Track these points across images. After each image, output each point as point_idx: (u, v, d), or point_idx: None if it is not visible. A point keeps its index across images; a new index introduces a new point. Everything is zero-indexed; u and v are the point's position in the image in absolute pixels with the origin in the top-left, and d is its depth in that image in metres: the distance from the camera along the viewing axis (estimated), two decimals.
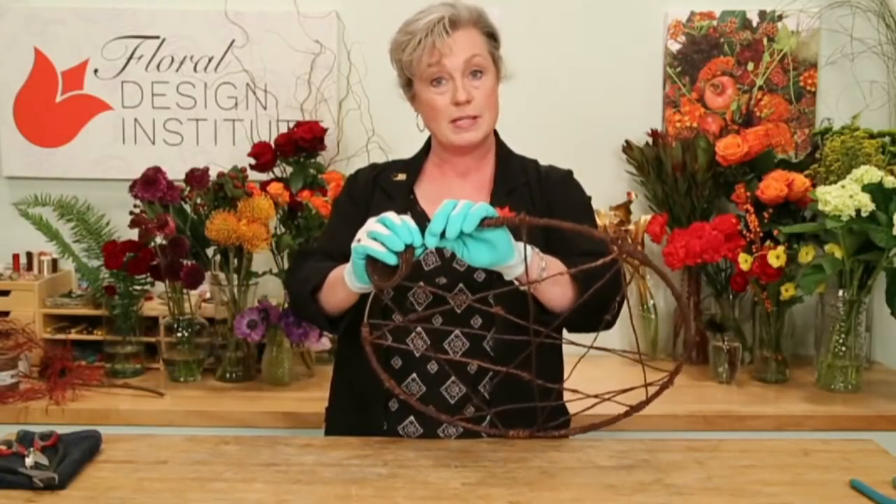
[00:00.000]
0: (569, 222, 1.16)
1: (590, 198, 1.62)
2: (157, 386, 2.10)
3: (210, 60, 2.44)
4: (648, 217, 2.36)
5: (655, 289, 2.45)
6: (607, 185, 2.44)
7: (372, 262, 1.25)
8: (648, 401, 1.25)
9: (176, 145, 2.47)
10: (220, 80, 2.45)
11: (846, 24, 2.43)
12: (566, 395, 1.46)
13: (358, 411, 1.53)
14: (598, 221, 2.24)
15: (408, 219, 1.25)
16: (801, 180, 2.17)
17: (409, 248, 1.22)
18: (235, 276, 2.15)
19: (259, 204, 2.07)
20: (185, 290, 2.16)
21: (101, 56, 2.44)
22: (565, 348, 1.51)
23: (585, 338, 1.33)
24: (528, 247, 1.24)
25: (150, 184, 2.08)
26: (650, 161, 2.39)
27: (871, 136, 2.16)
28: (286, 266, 2.19)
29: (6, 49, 2.44)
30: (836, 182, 2.00)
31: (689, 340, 2.35)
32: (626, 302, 1.29)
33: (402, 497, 1.19)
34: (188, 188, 2.14)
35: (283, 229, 2.23)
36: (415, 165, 1.62)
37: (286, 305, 2.11)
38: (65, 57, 2.44)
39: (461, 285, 1.49)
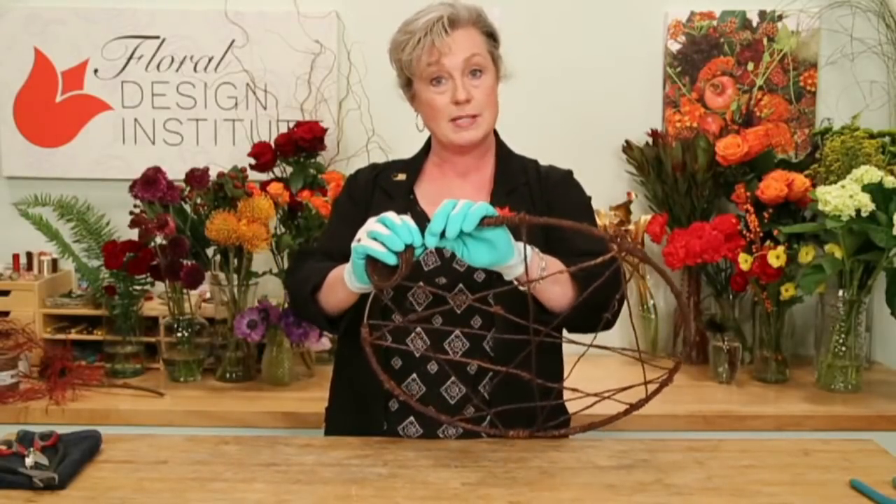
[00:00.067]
0: (568, 221, 1.16)
1: (590, 198, 1.62)
2: (157, 386, 2.10)
3: (210, 60, 2.44)
4: (648, 217, 2.37)
5: (655, 289, 2.45)
6: (607, 185, 2.45)
7: (372, 262, 1.25)
8: (648, 399, 1.25)
9: (176, 145, 2.47)
10: (220, 80, 2.45)
11: (846, 24, 2.43)
12: (566, 395, 1.46)
13: (358, 411, 1.53)
14: (598, 221, 2.25)
15: (408, 219, 1.25)
16: (801, 180, 2.17)
17: (409, 247, 1.22)
18: (235, 276, 2.15)
19: (259, 204, 2.07)
20: (185, 290, 2.16)
21: (101, 56, 2.44)
22: (565, 348, 1.51)
23: (585, 337, 1.34)
24: (528, 246, 1.24)
25: (150, 184, 2.08)
26: (650, 161, 2.39)
27: (871, 136, 2.16)
28: (286, 266, 2.19)
29: (6, 49, 2.44)
30: (836, 182, 2.00)
31: (688, 340, 2.35)
32: (625, 302, 1.29)
33: (402, 497, 1.19)
34: (188, 188, 2.14)
35: (283, 229, 2.23)
36: (415, 165, 1.62)
37: (286, 305, 2.11)
38: (65, 57, 2.45)
39: (461, 285, 1.49)
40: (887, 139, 2.19)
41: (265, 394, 2.08)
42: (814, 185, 2.13)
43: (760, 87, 2.46)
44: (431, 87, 1.50)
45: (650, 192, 2.43)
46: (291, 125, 2.37)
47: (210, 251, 2.20)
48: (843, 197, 1.92)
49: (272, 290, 2.23)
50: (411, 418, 1.50)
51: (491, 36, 1.54)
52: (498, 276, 1.32)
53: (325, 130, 2.33)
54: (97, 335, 2.25)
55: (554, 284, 1.34)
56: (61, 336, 2.24)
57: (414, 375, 1.50)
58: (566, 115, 2.47)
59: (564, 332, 1.43)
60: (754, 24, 2.45)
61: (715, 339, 2.23)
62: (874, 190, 1.94)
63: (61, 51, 2.44)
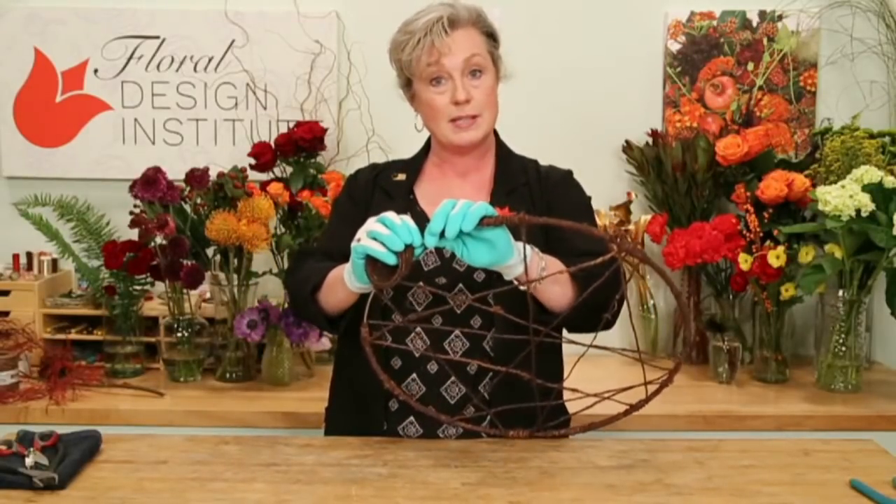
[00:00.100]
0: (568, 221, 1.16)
1: (590, 198, 1.62)
2: (157, 386, 2.10)
3: (210, 60, 2.44)
4: (648, 217, 2.37)
5: (655, 289, 2.45)
6: (607, 185, 2.44)
7: (372, 262, 1.25)
8: (648, 399, 1.25)
9: (176, 145, 2.47)
10: (220, 80, 2.45)
11: (846, 24, 2.43)
12: (566, 395, 1.46)
13: (358, 411, 1.53)
14: (598, 221, 2.25)
15: (407, 218, 1.25)
16: (801, 180, 2.17)
17: (409, 247, 1.22)
18: (235, 276, 2.15)
19: (259, 204, 2.07)
20: (185, 290, 2.16)
21: (101, 56, 2.44)
22: (565, 348, 1.51)
23: (585, 337, 1.34)
24: (528, 246, 1.24)
25: (150, 184, 2.08)
26: (650, 161, 2.39)
27: (871, 136, 2.16)
28: (286, 266, 2.19)
29: (6, 49, 2.44)
30: (836, 182, 2.00)
31: (688, 340, 2.35)
32: (625, 302, 1.29)
33: (402, 497, 1.19)
34: (188, 188, 2.14)
35: (283, 229, 2.23)
36: (415, 165, 1.62)
37: (286, 305, 2.11)
38: (65, 57, 2.45)
39: (461, 285, 1.49)
40: (887, 139, 2.19)
41: (265, 394, 2.08)
42: (814, 185, 2.13)
43: (760, 87, 2.46)
44: (431, 88, 1.50)
45: (650, 192, 2.43)
46: (291, 125, 2.37)
47: (210, 251, 2.20)
48: (843, 197, 1.92)
49: (272, 290, 2.23)
50: (411, 418, 1.50)
51: (491, 36, 1.54)
52: (498, 276, 1.32)
53: (325, 130, 2.33)
54: (97, 335, 2.25)
55: (554, 284, 1.34)
56: (61, 336, 2.24)
57: (414, 375, 1.50)
58: (566, 116, 2.47)
59: (564, 333, 1.43)
60: (754, 24, 2.45)
61: (715, 339, 2.23)
62: (874, 190, 1.94)
63: (61, 51, 2.44)
